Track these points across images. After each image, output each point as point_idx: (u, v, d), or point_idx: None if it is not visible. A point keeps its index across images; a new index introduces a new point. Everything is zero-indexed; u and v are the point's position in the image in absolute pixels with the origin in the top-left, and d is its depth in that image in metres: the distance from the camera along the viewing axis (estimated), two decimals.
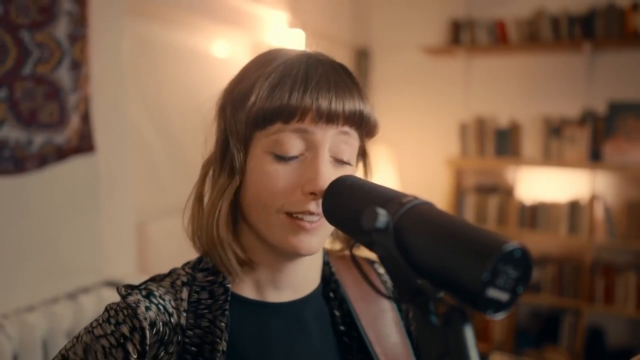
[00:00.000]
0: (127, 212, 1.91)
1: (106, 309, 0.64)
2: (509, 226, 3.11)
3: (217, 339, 0.63)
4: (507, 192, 3.21)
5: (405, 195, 0.50)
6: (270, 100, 0.61)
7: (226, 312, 0.65)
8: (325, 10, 3.28)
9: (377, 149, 3.24)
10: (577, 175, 3.04)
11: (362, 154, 0.73)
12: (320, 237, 0.65)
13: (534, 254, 3.22)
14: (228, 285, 0.67)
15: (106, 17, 1.77)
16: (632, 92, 2.94)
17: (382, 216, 0.46)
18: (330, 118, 0.61)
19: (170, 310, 0.64)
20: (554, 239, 3.09)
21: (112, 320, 0.62)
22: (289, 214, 0.62)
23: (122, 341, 0.61)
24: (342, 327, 0.72)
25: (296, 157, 0.62)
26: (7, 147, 1.45)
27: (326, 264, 0.76)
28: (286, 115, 0.60)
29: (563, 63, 3.15)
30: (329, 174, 0.61)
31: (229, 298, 0.66)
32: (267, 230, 0.64)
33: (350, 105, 0.62)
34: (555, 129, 3.03)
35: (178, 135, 2.22)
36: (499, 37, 3.18)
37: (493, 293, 0.41)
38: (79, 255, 1.71)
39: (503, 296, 0.42)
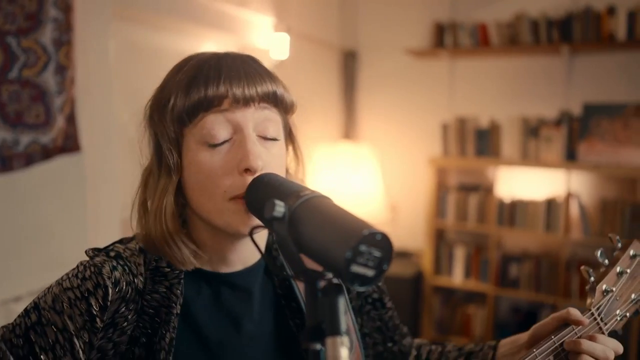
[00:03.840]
0: (112, 208, 2.00)
1: (77, 265, 0.72)
2: (488, 224, 3.20)
3: (173, 304, 0.71)
4: (487, 190, 3.30)
5: (305, 190, 0.59)
6: (189, 97, 0.68)
7: (182, 280, 0.73)
8: (313, 14, 3.37)
9: (361, 148, 3.34)
10: (553, 174, 3.13)
11: (290, 135, 0.80)
12: None
13: (513, 250, 3.31)
14: None
15: (92, 22, 1.85)
16: (606, 94, 3.03)
17: (279, 207, 0.56)
18: (246, 101, 0.69)
19: (135, 271, 0.72)
20: (531, 236, 3.19)
21: (80, 275, 0.69)
22: (233, 198, 0.69)
23: (86, 295, 0.68)
24: (279, 291, 0.81)
25: (226, 141, 0.69)
26: None
27: (270, 234, 0.84)
28: (206, 105, 0.68)
29: (542, 65, 3.23)
30: (258, 150, 0.69)
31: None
32: (216, 216, 0.70)
33: (263, 88, 0.70)
34: (532, 130, 3.12)
35: None
36: (481, 40, 3.27)
37: (357, 269, 0.50)
38: (65, 249, 1.80)
39: (369, 272, 0.51)
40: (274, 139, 0.73)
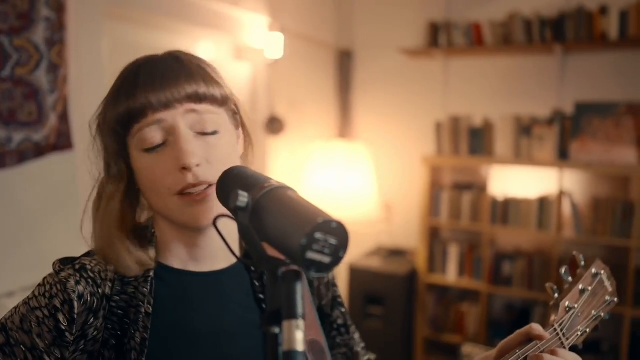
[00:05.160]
0: None
1: (42, 283, 0.74)
2: (482, 222, 3.22)
3: (141, 303, 0.73)
4: (480, 189, 3.32)
5: (269, 181, 0.62)
6: (116, 110, 0.72)
7: (149, 279, 0.75)
8: (308, 14, 3.39)
9: (356, 147, 3.36)
10: (545, 173, 3.15)
11: (240, 121, 0.82)
12: (216, 205, 0.72)
13: (506, 249, 3.33)
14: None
15: (85, 22, 1.88)
16: (598, 93, 3.05)
17: (243, 197, 0.58)
18: (167, 105, 0.71)
19: (99, 281, 0.73)
20: (524, 234, 3.20)
21: (47, 295, 0.71)
22: (179, 194, 0.72)
23: (53, 312, 0.70)
24: (260, 296, 0.83)
25: (162, 144, 0.72)
26: None
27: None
28: (132, 116, 0.71)
29: (535, 65, 3.25)
30: (192, 148, 0.71)
31: (152, 267, 0.77)
32: (170, 213, 0.74)
33: (180, 90, 0.72)
34: (525, 128, 3.14)
35: None
36: (475, 40, 3.28)
37: (313, 256, 0.52)
38: (57, 246, 1.81)
39: (325, 259, 0.53)
40: (215, 132, 0.74)
